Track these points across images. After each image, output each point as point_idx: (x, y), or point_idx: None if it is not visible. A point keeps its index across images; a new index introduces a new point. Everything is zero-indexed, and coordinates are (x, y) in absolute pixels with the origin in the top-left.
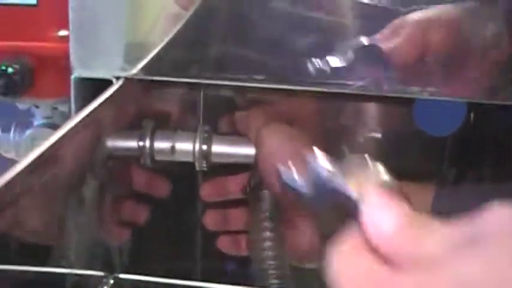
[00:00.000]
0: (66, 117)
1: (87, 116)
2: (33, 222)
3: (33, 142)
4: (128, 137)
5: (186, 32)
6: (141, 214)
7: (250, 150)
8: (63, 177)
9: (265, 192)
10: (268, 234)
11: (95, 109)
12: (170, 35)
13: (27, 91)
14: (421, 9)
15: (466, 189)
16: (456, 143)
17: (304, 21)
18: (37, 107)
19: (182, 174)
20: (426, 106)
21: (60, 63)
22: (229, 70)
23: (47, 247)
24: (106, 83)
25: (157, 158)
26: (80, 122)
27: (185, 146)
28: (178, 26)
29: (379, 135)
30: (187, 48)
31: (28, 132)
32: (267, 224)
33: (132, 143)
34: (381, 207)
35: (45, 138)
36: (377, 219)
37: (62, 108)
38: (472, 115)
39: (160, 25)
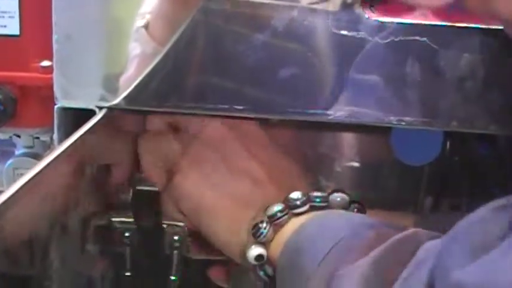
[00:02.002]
0: (48, 146)
1: (71, 145)
2: (15, 252)
3: (15, 171)
4: (111, 166)
5: (167, 62)
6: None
7: None
8: (47, 207)
9: None
10: None
11: (79, 138)
12: (151, 66)
13: (9, 121)
14: (398, 40)
15: (444, 218)
16: (433, 172)
17: (284, 52)
18: (18, 136)
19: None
20: (403, 135)
21: (43, 93)
22: (209, 100)
23: (29, 277)
24: (89, 113)
25: (138, 187)
26: (64, 151)
27: None
28: (159, 57)
29: (356, 165)
30: (168, 79)
31: (9, 161)
32: None
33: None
34: None
35: (27, 167)
36: None
37: (44, 137)
38: (448, 144)
39: (145, 56)
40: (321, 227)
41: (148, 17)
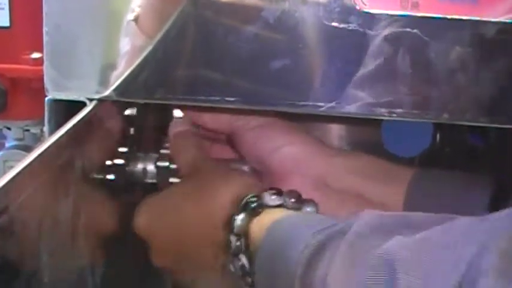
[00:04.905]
0: (38, 139)
1: (62, 137)
2: (5, 245)
3: (5, 164)
4: (102, 159)
5: (157, 54)
6: (115, 236)
7: None
8: (37, 198)
9: None
10: None
11: (69, 130)
12: (141, 58)
13: None
14: (389, 32)
15: (441, 174)
16: (423, 164)
17: (274, 44)
18: (9, 128)
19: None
20: (394, 127)
21: (33, 85)
22: (200, 92)
23: (18, 268)
24: (80, 105)
25: (130, 179)
26: (54, 143)
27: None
28: (149, 49)
29: None
30: (159, 71)
31: (0, 153)
32: None
33: (106, 165)
34: None
35: (17, 159)
36: None
37: (34, 130)
38: (439, 135)
39: (135, 49)
40: (307, 218)
41: (138, 10)
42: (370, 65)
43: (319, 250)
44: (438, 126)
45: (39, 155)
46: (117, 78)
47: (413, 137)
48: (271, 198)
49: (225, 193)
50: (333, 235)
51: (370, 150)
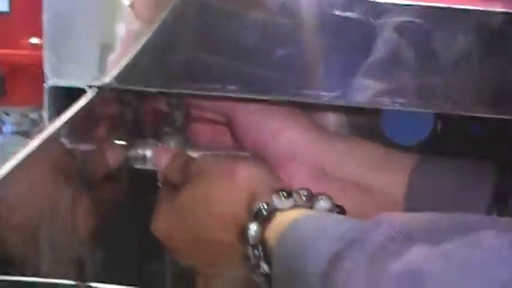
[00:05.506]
0: (37, 124)
1: (62, 124)
2: (5, 231)
3: (3, 149)
4: (102, 145)
5: (158, 41)
6: (115, 221)
7: None
8: (38, 186)
9: None
10: None
11: (70, 118)
12: (142, 44)
13: None
14: (391, 21)
15: (444, 162)
16: (422, 153)
17: (277, 31)
18: (7, 114)
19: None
20: (394, 116)
21: (32, 71)
22: (202, 80)
23: (19, 256)
24: (79, 92)
25: (130, 166)
26: (55, 130)
27: None
28: (149, 35)
29: None
30: (160, 58)
31: None
32: None
33: (106, 152)
34: None
35: (15, 145)
36: None
37: (33, 116)
38: (439, 125)
39: (131, 35)
40: (320, 223)
41: None
42: (374, 54)
43: (337, 261)
44: (439, 115)
45: (40, 142)
46: (117, 64)
47: (413, 125)
48: (281, 202)
49: (238, 189)
50: (351, 244)
51: (369, 137)
